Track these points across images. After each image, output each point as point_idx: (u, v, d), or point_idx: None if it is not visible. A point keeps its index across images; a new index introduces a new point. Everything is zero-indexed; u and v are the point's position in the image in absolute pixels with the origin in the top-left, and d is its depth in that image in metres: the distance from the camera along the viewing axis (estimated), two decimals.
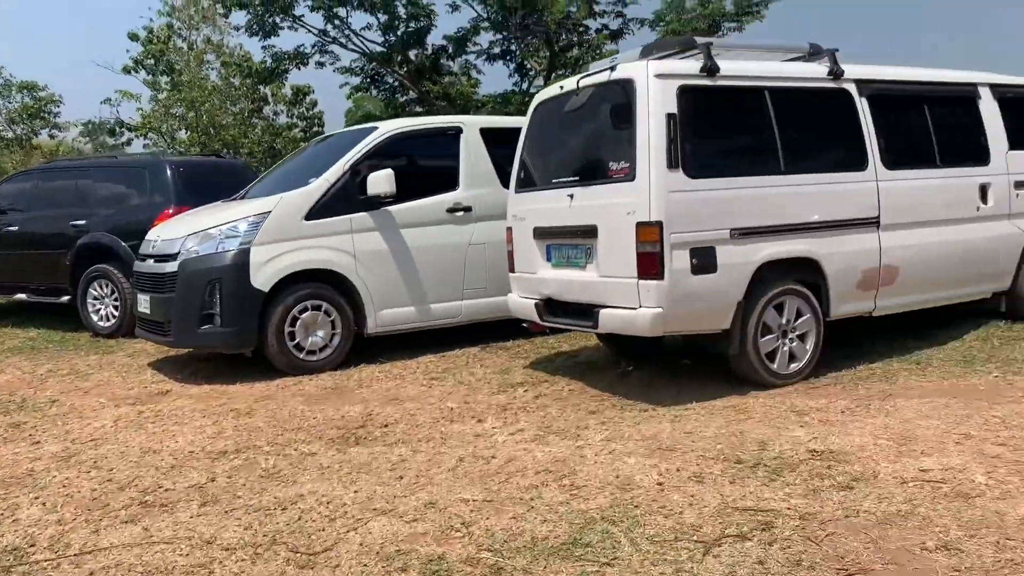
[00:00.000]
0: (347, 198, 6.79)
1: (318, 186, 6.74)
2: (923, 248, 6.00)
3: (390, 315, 6.92)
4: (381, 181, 6.66)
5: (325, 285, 6.68)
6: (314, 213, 6.66)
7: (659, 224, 4.95)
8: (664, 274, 4.97)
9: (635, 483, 3.77)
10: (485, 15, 21.68)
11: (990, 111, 6.60)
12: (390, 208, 6.89)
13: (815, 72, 5.76)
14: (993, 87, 6.69)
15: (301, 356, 6.58)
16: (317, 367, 6.60)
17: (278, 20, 19.77)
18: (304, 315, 6.56)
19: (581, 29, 24.81)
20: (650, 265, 5.00)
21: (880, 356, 6.03)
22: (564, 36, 24.13)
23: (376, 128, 7.21)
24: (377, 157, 6.94)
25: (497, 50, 23.72)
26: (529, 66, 23.62)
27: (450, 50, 22.98)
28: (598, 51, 23.53)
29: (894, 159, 5.88)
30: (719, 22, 26.89)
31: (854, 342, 6.38)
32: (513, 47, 23.51)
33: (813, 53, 5.89)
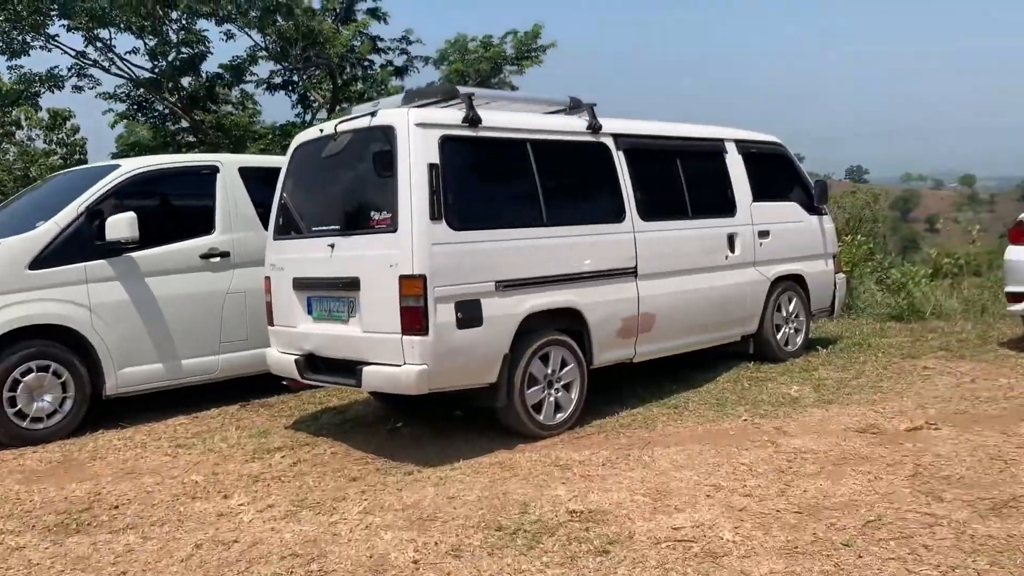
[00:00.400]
0: (82, 244, 6.05)
1: (46, 231, 5.96)
2: (678, 296, 6.27)
3: (134, 374, 6.23)
4: (121, 225, 5.99)
5: (54, 342, 5.90)
6: (41, 261, 5.87)
7: (423, 277, 4.78)
8: (428, 329, 4.79)
9: (389, 563, 3.51)
10: (263, 45, 20.89)
11: (735, 164, 7.08)
12: (133, 255, 6.23)
13: (575, 125, 5.88)
14: (737, 142, 7.19)
15: (24, 424, 5.76)
16: (44, 436, 5.80)
17: (28, 39, 17.88)
18: (28, 377, 5.75)
19: (366, 64, 24.60)
20: (414, 320, 4.81)
21: (641, 401, 6.19)
22: (348, 69, 23.79)
23: (118, 167, 6.52)
24: (118, 198, 6.26)
25: (279, 80, 22.95)
26: (312, 98, 23.00)
27: (227, 79, 21.92)
28: (383, 86, 23.37)
29: (649, 211, 6.11)
30: (500, 65, 27.82)
31: (617, 386, 6.53)
32: (295, 78, 22.84)
33: (573, 106, 6.02)
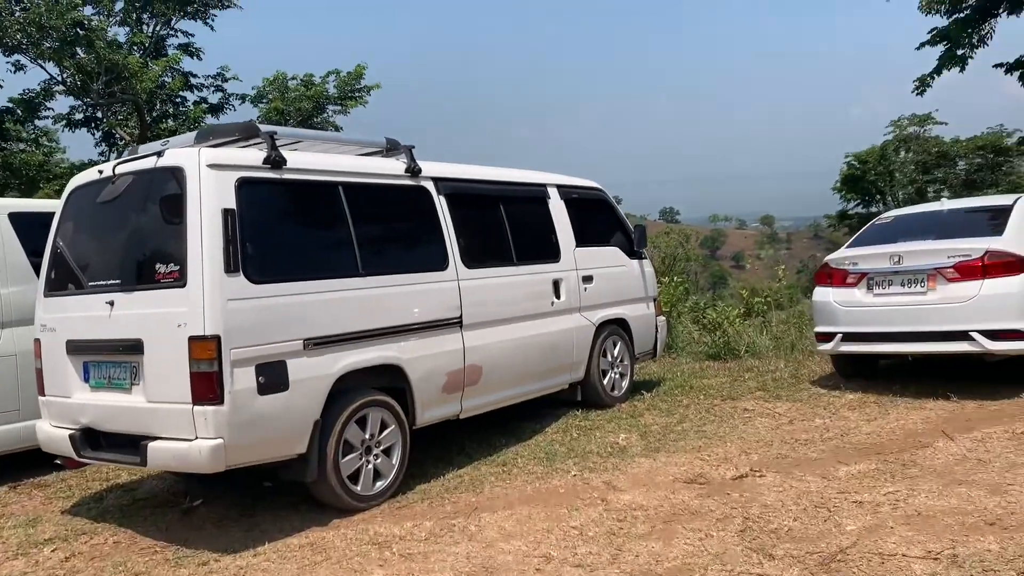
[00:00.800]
0: None
1: None
2: (505, 345, 6.01)
3: None
4: None
5: None
6: None
7: (216, 339, 4.21)
8: (224, 397, 4.22)
9: None
10: (59, 78, 19.18)
11: (559, 210, 6.97)
12: None
13: (392, 168, 5.52)
14: (560, 187, 7.10)
15: None
16: None
17: None
18: None
19: (178, 100, 23.26)
20: (206, 387, 4.22)
21: (468, 458, 5.85)
22: (159, 106, 22.38)
23: None
24: None
25: (80, 116, 21.20)
26: (119, 135, 21.34)
27: (18, 114, 19.97)
28: (196, 123, 22.10)
29: (474, 257, 5.84)
30: (323, 104, 27.13)
31: (444, 442, 6.16)
32: (99, 114, 21.16)
33: (391, 148, 5.67)
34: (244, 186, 4.48)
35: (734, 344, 10.25)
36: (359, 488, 4.88)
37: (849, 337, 7.21)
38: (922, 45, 16.81)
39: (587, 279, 7.05)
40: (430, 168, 5.73)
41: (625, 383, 7.56)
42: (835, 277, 7.35)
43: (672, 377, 8.81)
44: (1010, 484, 4.42)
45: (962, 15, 16.07)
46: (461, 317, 5.62)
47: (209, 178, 4.36)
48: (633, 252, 7.79)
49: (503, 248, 6.30)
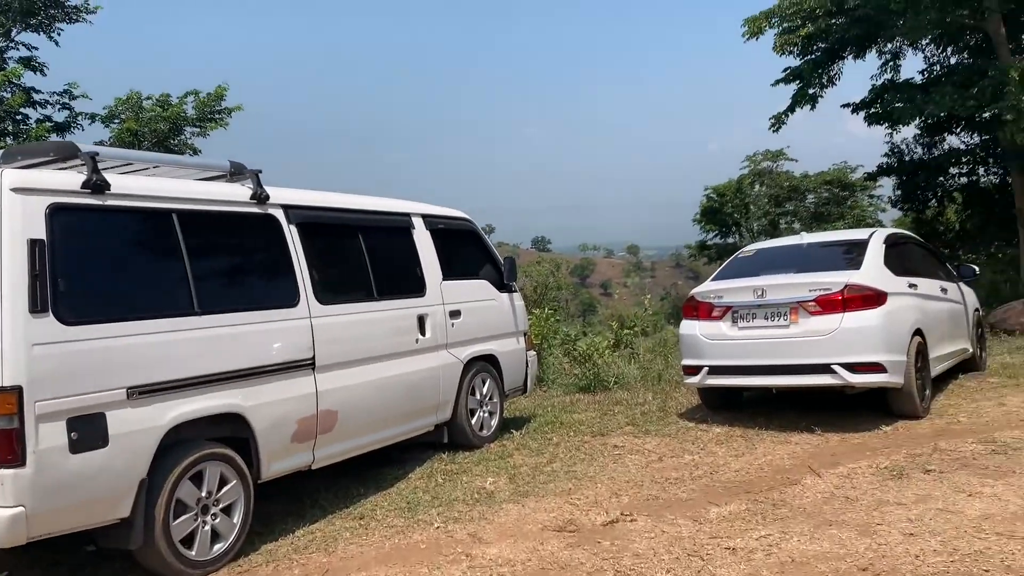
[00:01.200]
0: None
1: None
2: (364, 387, 5.60)
3: None
4: None
5: None
6: None
7: (17, 390, 3.63)
8: (27, 458, 3.63)
9: None
10: None
11: (424, 241, 6.64)
12: None
13: (236, 195, 5.03)
14: (426, 217, 6.78)
15: None
16: None
17: None
18: None
19: (19, 117, 21.55)
20: (5, 448, 3.61)
21: (323, 511, 5.38)
22: None
23: None
24: None
25: None
26: None
27: None
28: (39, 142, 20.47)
29: (329, 293, 5.41)
30: (181, 126, 25.82)
31: (296, 492, 5.65)
32: None
33: (235, 173, 5.18)
34: (57, 213, 3.92)
35: (604, 376, 10.18)
36: (194, 553, 4.34)
37: (715, 370, 7.21)
38: (777, 83, 17.65)
39: (455, 314, 6.74)
40: (279, 195, 5.28)
41: (494, 421, 7.27)
42: (701, 310, 7.35)
43: (543, 412, 8.59)
44: (879, 524, 4.39)
45: (813, 56, 16.98)
46: (314, 358, 5.17)
47: (14, 203, 3.78)
48: (503, 285, 7.56)
49: (362, 282, 5.90)
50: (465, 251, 7.37)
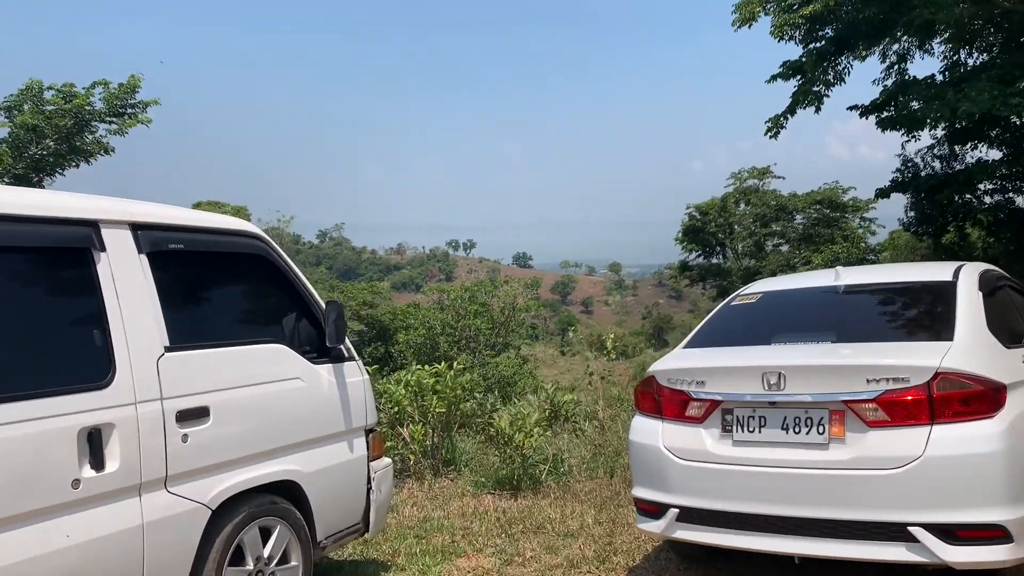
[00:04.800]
0: None
1: None
2: None
3: None
4: None
5: None
6: None
7: None
8: None
9: None
10: None
11: (126, 273, 3.39)
12: None
13: None
14: (140, 228, 3.52)
15: None
16: None
17: None
18: None
19: None
20: None
21: None
22: None
23: None
24: None
25: None
26: None
27: None
28: None
29: None
30: (88, 120, 22.51)
31: None
32: None
33: None
34: None
35: (533, 469, 6.98)
36: None
37: (691, 516, 4.00)
38: (773, 78, 14.58)
39: (193, 415, 3.49)
40: None
41: None
42: (667, 403, 4.16)
43: (422, 543, 5.36)
44: None
45: (819, 45, 13.92)
46: None
47: None
48: (324, 350, 4.33)
49: None
50: (240, 292, 4.18)
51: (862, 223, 37.48)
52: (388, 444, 7.57)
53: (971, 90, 11.90)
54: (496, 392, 26.59)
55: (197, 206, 49.57)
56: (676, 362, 4.26)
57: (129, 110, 22.68)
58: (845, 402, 3.62)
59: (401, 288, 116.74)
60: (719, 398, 3.92)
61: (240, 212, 53.24)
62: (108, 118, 22.41)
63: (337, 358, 4.38)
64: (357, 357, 4.56)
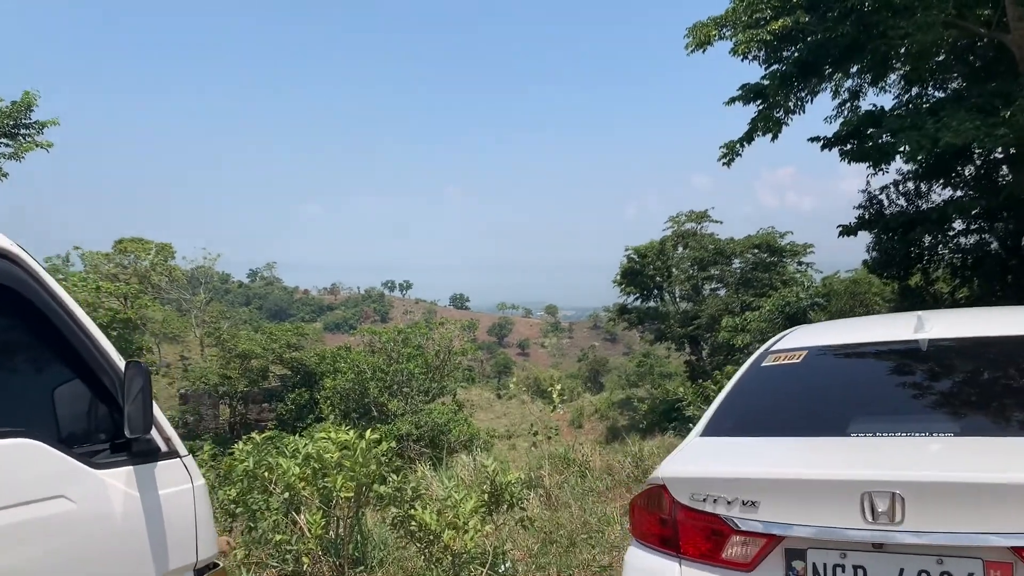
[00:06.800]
0: None
1: None
2: None
3: None
4: None
5: None
6: None
7: None
8: None
9: None
10: None
11: None
12: None
13: None
14: None
15: None
16: None
17: None
18: None
19: None
20: None
21: None
22: None
23: None
24: None
25: None
26: None
27: None
28: None
29: None
30: None
31: None
32: None
33: None
34: None
35: (464, 565, 5.26)
36: None
37: None
38: (732, 100, 13.38)
39: None
40: None
41: None
42: (690, 534, 2.52)
43: None
44: None
45: (782, 68, 12.78)
46: None
47: None
48: (120, 443, 2.59)
49: None
50: None
51: (799, 267, 37.14)
52: (280, 537, 5.79)
53: (951, 119, 10.84)
54: (427, 440, 24.78)
55: (120, 243, 46.79)
56: (702, 464, 2.64)
57: (23, 131, 20.46)
58: (1015, 549, 2.06)
59: (335, 329, 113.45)
60: (782, 532, 2.31)
61: (164, 249, 50.68)
62: (3, 140, 20.11)
63: (143, 456, 2.64)
64: (183, 450, 2.81)
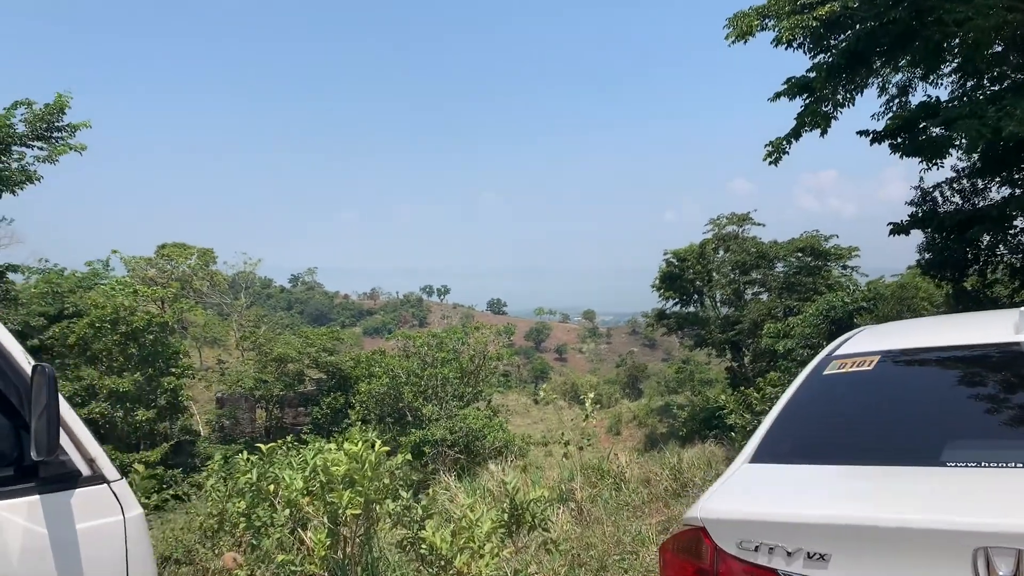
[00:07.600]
0: None
1: None
2: None
3: None
4: None
5: None
6: None
7: None
8: None
9: None
10: None
11: None
12: None
13: None
14: None
15: None
16: None
17: None
18: None
19: None
20: None
21: None
22: None
23: None
24: None
25: None
26: None
27: None
28: None
29: None
30: (9, 145, 20.19)
31: None
32: None
33: None
34: None
35: None
36: None
37: None
38: (777, 96, 12.69)
39: None
40: None
41: None
42: None
43: None
44: None
45: (829, 58, 12.05)
46: None
47: None
48: (24, 467, 2.09)
49: None
50: None
51: (843, 271, 36.00)
52: (283, 557, 5.32)
53: (1015, 108, 10.04)
54: (462, 446, 24.30)
55: (162, 248, 47.14)
56: (753, 501, 2.06)
57: (56, 133, 20.41)
58: None
59: (374, 333, 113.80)
60: None
61: (206, 254, 50.89)
62: (31, 142, 20.13)
63: (53, 482, 2.14)
64: (113, 473, 2.31)
